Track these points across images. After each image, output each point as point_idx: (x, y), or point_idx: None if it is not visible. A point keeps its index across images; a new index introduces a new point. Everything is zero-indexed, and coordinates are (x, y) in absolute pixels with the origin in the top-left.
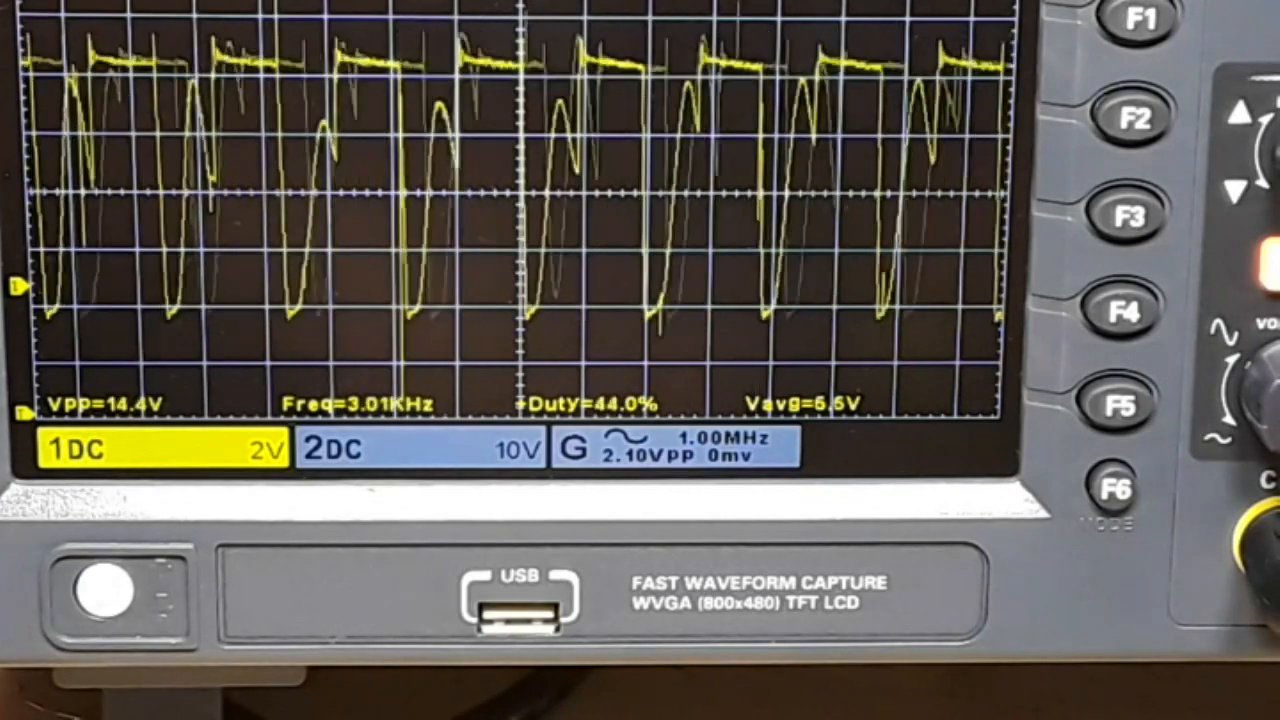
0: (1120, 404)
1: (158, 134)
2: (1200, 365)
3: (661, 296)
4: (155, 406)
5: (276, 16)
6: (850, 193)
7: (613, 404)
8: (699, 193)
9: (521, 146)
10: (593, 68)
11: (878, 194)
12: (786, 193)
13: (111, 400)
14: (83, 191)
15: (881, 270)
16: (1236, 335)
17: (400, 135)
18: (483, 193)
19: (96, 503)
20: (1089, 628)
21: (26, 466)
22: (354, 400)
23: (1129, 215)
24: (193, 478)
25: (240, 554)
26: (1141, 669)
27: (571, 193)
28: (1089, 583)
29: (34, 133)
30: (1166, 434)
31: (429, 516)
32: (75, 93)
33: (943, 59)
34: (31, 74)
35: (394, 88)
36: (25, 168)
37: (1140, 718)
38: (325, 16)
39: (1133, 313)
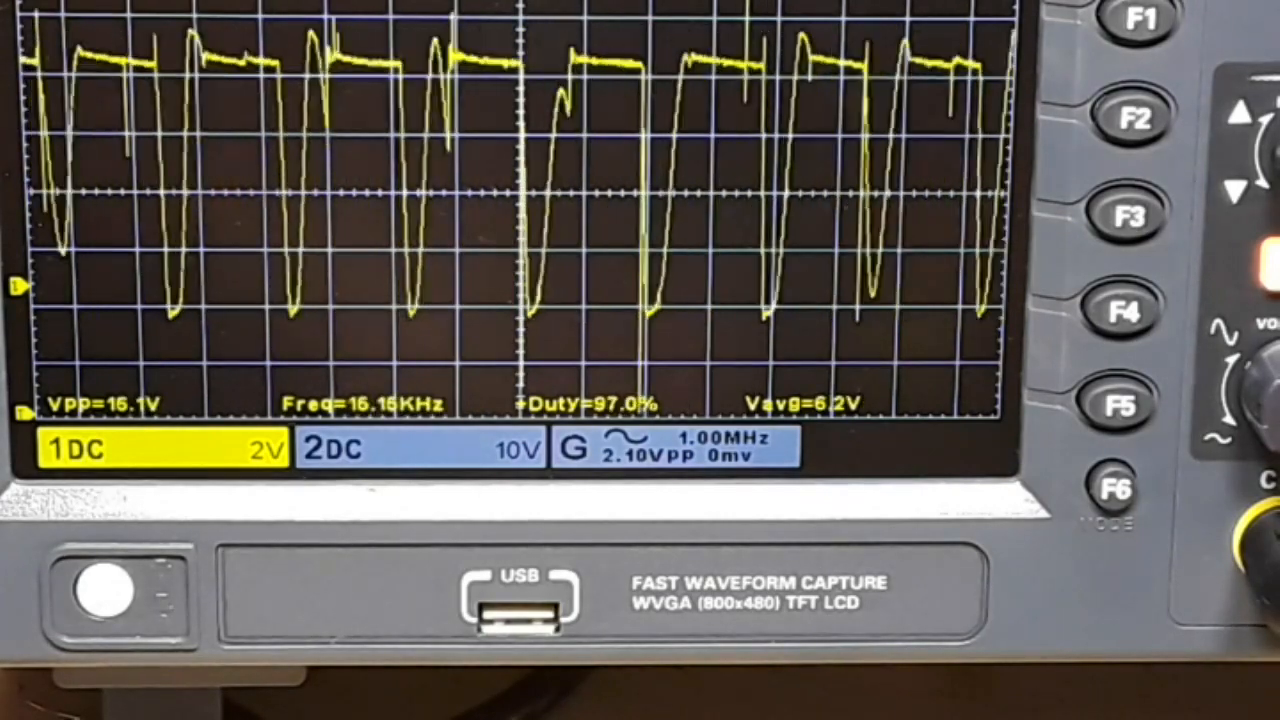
0: (1120, 404)
1: (158, 134)
2: (1200, 365)
3: (661, 296)
4: (155, 406)
5: (277, 16)
6: (850, 192)
7: (613, 404)
8: (699, 193)
9: (521, 146)
10: (593, 68)
11: (877, 194)
12: (786, 193)
13: (111, 400)
14: (83, 191)
15: (881, 270)
16: (1236, 335)
17: (400, 135)
18: (482, 193)
19: (96, 503)
20: (1089, 628)
21: (26, 466)
22: (354, 400)
23: (1129, 215)
24: (193, 478)
25: (240, 554)
26: (1141, 669)
27: (571, 193)
28: (1089, 583)
29: (34, 133)
30: (1166, 434)
31: (429, 516)
32: (75, 93)
33: (943, 59)
34: (32, 74)
35: (394, 87)
36: (25, 168)
37: (1140, 718)
38: (325, 16)
39: (1133, 313)
